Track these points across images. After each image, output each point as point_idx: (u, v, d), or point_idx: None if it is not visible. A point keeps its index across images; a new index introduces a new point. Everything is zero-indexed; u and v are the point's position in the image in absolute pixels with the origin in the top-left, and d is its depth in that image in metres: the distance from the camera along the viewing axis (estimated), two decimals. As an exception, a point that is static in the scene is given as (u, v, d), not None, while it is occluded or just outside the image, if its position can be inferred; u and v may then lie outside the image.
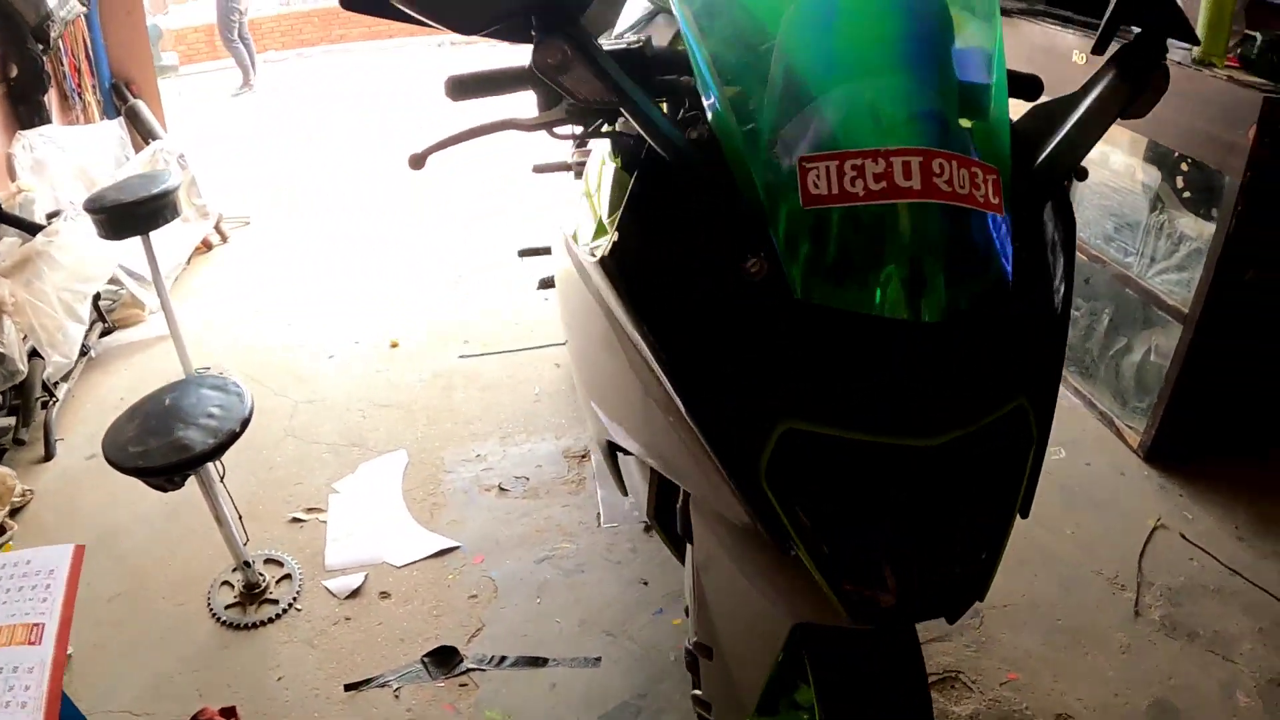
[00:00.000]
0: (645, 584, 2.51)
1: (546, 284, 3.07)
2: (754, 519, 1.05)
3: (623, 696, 2.14)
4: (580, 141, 1.34)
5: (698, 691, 1.49)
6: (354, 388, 3.50)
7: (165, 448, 2.06)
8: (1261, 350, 2.79)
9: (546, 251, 3.33)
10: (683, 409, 1.06)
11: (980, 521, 1.06)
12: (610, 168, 1.57)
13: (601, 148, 1.80)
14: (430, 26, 1.10)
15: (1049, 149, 1.12)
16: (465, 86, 1.28)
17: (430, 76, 9.06)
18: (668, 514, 1.69)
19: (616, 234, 1.09)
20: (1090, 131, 1.13)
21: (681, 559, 1.82)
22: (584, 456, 3.06)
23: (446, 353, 3.73)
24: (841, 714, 1.21)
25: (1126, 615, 2.47)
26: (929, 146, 0.97)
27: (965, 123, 1.08)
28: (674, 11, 1.10)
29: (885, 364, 0.98)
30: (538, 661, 2.23)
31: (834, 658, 1.23)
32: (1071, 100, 1.15)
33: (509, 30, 1.07)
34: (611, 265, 1.10)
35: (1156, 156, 2.85)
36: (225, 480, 2.31)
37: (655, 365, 1.10)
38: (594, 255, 1.19)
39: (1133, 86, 1.13)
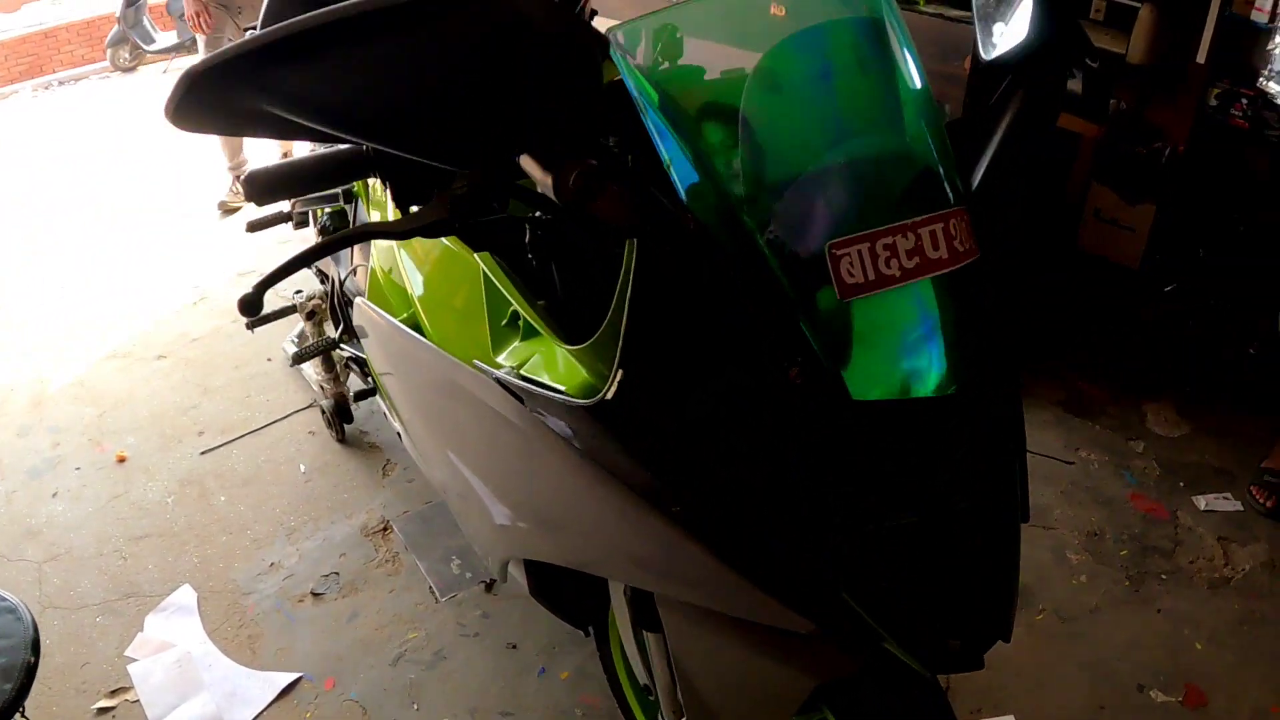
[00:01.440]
0: (514, 647, 2.42)
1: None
2: (821, 626, 1.05)
3: (555, 776, 2.07)
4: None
5: None
6: (98, 525, 3.08)
7: (-49, 720, 1.71)
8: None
9: (282, 315, 3.06)
10: (716, 546, 1.04)
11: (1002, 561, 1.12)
12: (496, 266, 1.39)
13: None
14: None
15: (983, 174, 1.12)
16: (276, 185, 1.11)
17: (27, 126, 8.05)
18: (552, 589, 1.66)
19: (620, 373, 0.98)
20: (1010, 159, 1.13)
21: (583, 627, 1.76)
22: (385, 529, 2.87)
23: (183, 451, 3.36)
24: None
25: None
26: (946, 208, 0.98)
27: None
28: (620, 69, 0.98)
29: (936, 441, 1.00)
30: (450, 778, 2.11)
31: (864, 706, 1.27)
32: (984, 124, 1.15)
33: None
34: (616, 412, 1.00)
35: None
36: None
37: (665, 504, 1.05)
38: (563, 394, 1.10)
39: (1041, 107, 1.14)
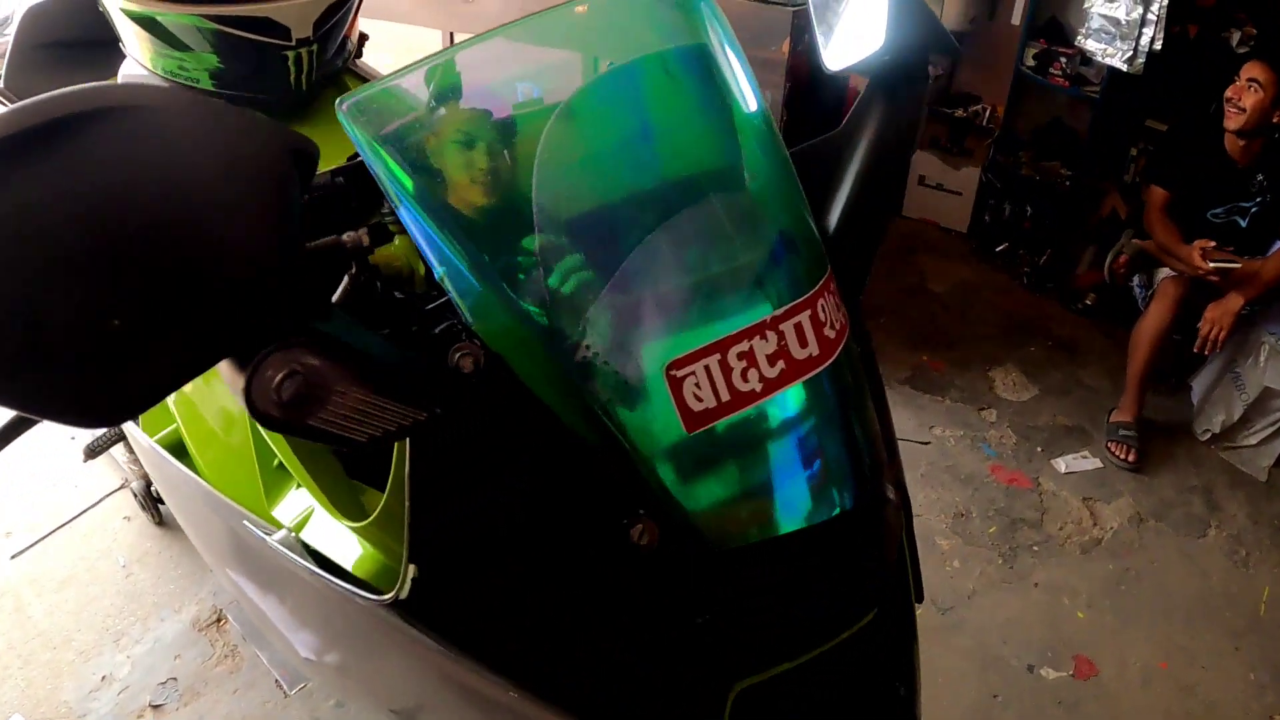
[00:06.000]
0: (380, 735, 2.21)
1: (94, 452, 2.57)
2: None
3: None
4: None
5: None
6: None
7: None
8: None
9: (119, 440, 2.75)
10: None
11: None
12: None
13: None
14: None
15: (842, 213, 0.94)
16: None
17: None
18: None
19: (412, 569, 0.75)
20: (886, 180, 0.95)
21: None
22: (219, 620, 2.62)
23: (-11, 558, 3.02)
24: None
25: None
26: (811, 286, 0.77)
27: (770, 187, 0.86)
28: (372, 165, 0.71)
29: (814, 571, 0.82)
30: None
31: None
32: (842, 141, 0.96)
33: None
34: (417, 608, 0.77)
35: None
36: None
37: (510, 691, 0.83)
38: (348, 586, 0.87)
39: (904, 125, 0.96)
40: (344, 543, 0.96)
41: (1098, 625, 2.34)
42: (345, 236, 0.79)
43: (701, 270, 0.77)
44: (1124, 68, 3.24)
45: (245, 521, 1.05)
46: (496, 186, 0.76)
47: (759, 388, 0.74)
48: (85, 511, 3.13)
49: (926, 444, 2.90)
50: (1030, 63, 3.58)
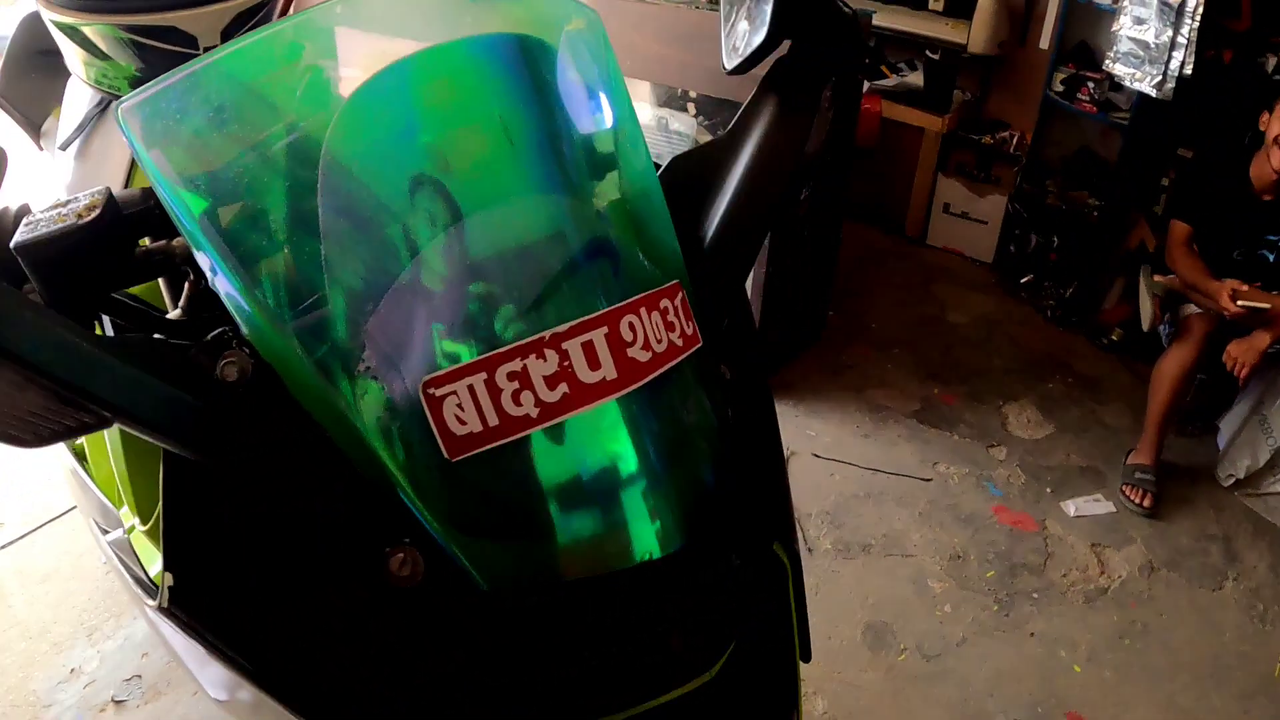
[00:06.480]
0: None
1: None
2: None
3: None
4: None
5: None
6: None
7: None
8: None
9: None
10: None
11: None
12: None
13: None
14: None
15: (718, 222, 0.86)
16: None
17: None
18: None
19: (169, 578, 0.70)
20: (767, 186, 0.87)
21: None
22: (192, 621, 2.60)
23: (-18, 547, 3.05)
24: None
25: (802, 556, 2.45)
26: (614, 304, 0.70)
27: (602, 196, 0.80)
28: (137, 152, 0.66)
29: (614, 621, 0.73)
30: None
31: None
32: (727, 146, 0.89)
33: None
34: (182, 616, 0.71)
35: (678, 101, 2.84)
36: None
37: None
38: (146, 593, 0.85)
39: (800, 114, 0.88)
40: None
41: (1095, 681, 2.22)
42: (175, 242, 0.76)
43: (474, 279, 0.70)
44: (1153, 93, 3.11)
45: (92, 519, 1.01)
46: (279, 198, 0.70)
47: (534, 413, 0.66)
48: (75, 507, 3.14)
49: (928, 481, 2.78)
50: (1058, 88, 3.46)
